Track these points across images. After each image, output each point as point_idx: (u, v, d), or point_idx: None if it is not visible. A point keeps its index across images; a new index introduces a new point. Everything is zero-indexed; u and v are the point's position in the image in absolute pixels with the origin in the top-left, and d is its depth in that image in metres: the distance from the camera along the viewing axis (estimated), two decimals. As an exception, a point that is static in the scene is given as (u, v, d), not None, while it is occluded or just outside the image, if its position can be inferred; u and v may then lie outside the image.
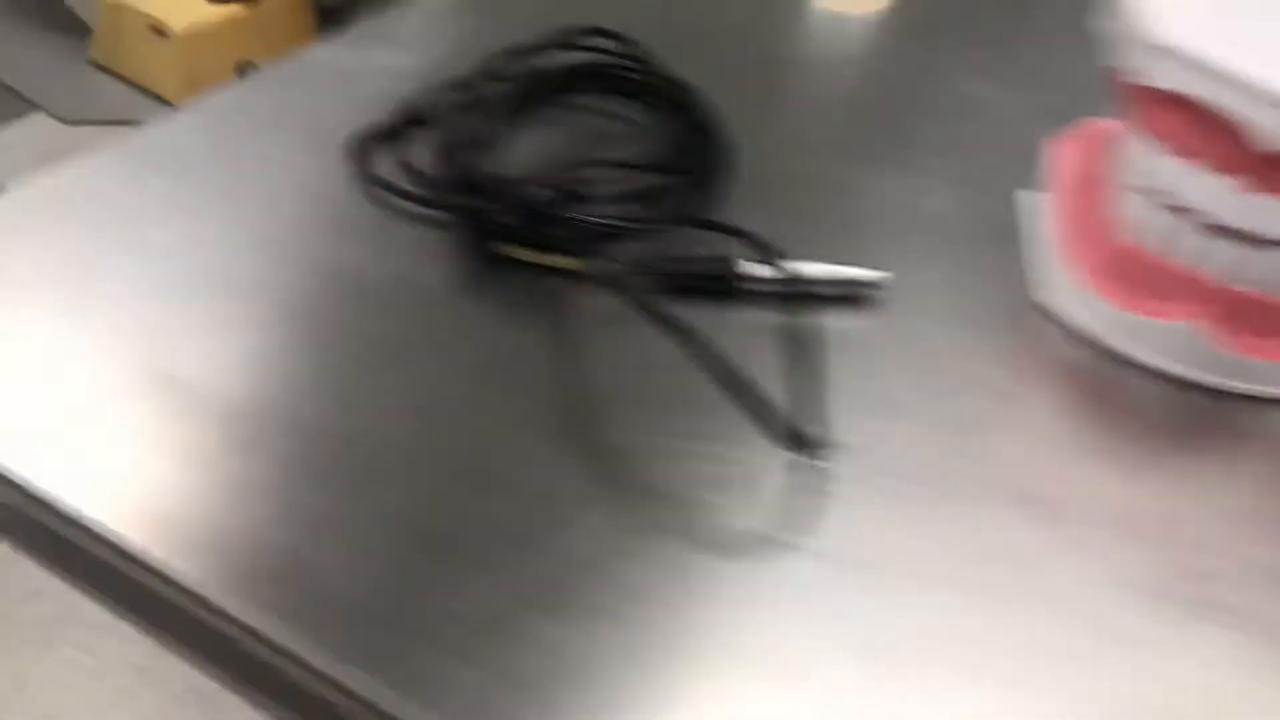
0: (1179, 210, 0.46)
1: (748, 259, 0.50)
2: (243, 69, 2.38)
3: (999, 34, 0.73)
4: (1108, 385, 0.48)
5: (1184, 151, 0.45)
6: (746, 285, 0.49)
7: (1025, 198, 0.57)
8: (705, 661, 0.36)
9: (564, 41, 0.61)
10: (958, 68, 0.69)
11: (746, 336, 0.47)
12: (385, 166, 0.56)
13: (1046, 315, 0.51)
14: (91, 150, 0.59)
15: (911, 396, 0.46)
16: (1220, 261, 0.46)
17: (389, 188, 0.54)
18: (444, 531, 0.39)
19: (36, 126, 2.29)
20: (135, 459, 0.41)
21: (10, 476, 0.40)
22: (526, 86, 0.59)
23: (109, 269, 0.50)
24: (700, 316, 0.46)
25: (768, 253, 0.48)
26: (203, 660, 0.43)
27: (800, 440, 0.41)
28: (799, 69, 0.69)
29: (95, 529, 0.38)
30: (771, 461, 0.42)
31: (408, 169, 0.55)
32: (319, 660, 0.35)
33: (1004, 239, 0.55)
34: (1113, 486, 0.43)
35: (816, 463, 0.42)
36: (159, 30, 2.29)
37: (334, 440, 0.42)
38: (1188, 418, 0.47)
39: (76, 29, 2.46)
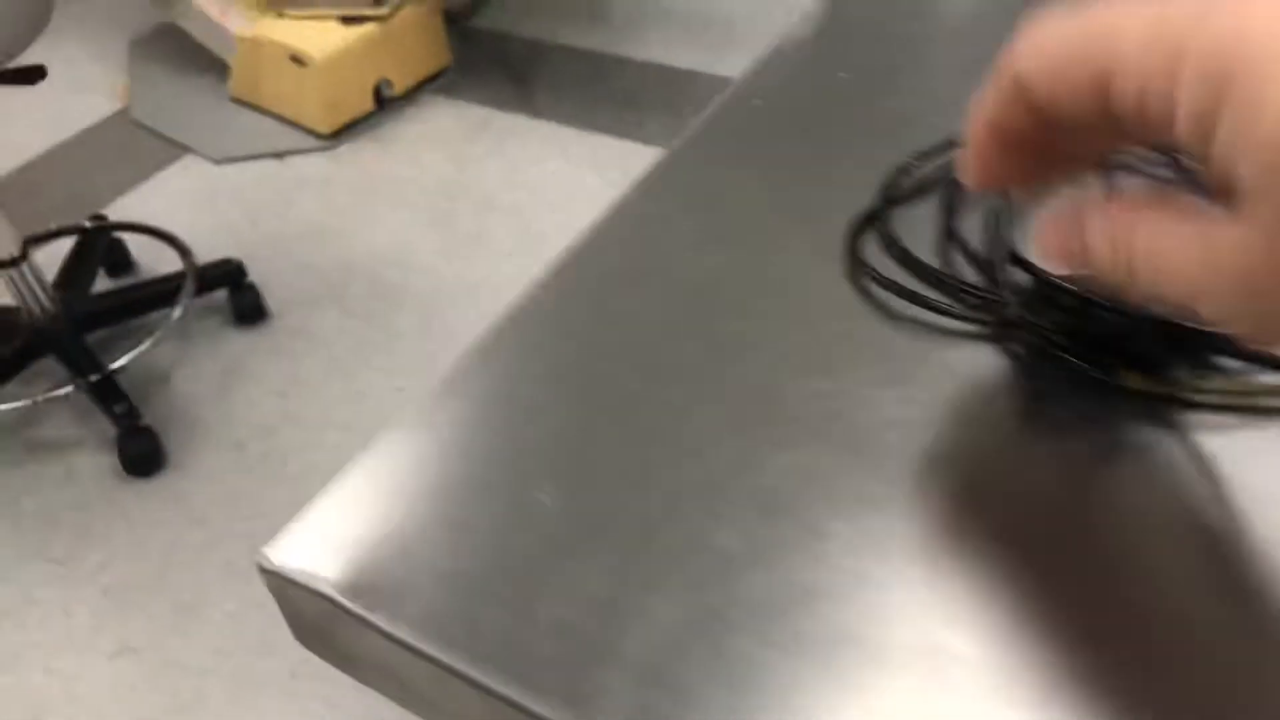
0: None
1: None
2: (380, 89, 2.31)
3: None
4: None
5: None
6: None
7: None
8: None
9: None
10: None
11: None
12: (873, 253, 0.44)
13: None
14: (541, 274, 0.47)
15: None
16: None
17: (916, 298, 0.42)
18: None
19: (189, 168, 2.24)
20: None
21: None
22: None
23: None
24: None
25: None
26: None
27: None
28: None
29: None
30: None
31: (930, 273, 0.42)
32: None
33: None
34: None
35: None
36: (298, 60, 2.23)
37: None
38: None
39: (214, 67, 2.41)
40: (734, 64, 2.40)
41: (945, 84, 0.53)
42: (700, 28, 2.62)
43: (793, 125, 0.53)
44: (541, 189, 2.12)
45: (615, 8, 2.73)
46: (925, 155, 0.46)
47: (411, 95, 2.39)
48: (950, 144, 0.46)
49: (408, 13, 2.31)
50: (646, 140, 2.23)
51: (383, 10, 2.25)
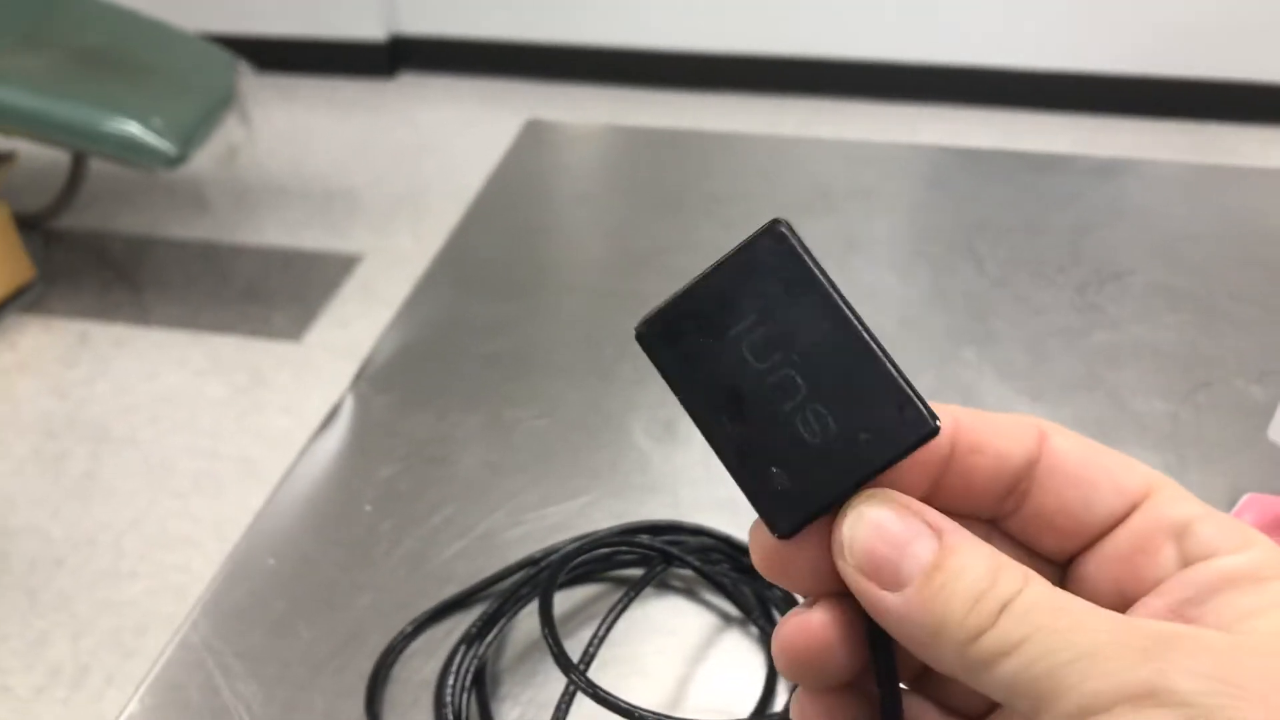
0: None
1: None
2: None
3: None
4: None
5: None
6: None
7: None
8: None
9: None
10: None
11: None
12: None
13: None
14: None
15: None
16: None
17: None
18: None
19: None
20: None
21: None
22: None
23: None
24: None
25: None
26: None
27: None
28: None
29: None
30: None
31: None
32: None
33: None
34: None
35: None
36: None
37: None
38: None
39: None
40: (362, 239, 2.25)
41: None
42: (320, 203, 2.46)
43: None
44: (160, 408, 1.87)
45: (224, 192, 2.52)
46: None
47: (-10, 320, 2.07)
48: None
49: (-30, 230, 2.00)
50: (274, 335, 2.03)
51: (-65, 234, 1.94)
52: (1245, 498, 0.51)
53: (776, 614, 0.49)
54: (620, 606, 0.46)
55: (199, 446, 1.79)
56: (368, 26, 2.98)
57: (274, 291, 2.18)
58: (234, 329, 2.06)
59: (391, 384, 0.64)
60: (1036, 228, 0.78)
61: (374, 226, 2.36)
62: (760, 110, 2.86)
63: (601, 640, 0.44)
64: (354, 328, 2.06)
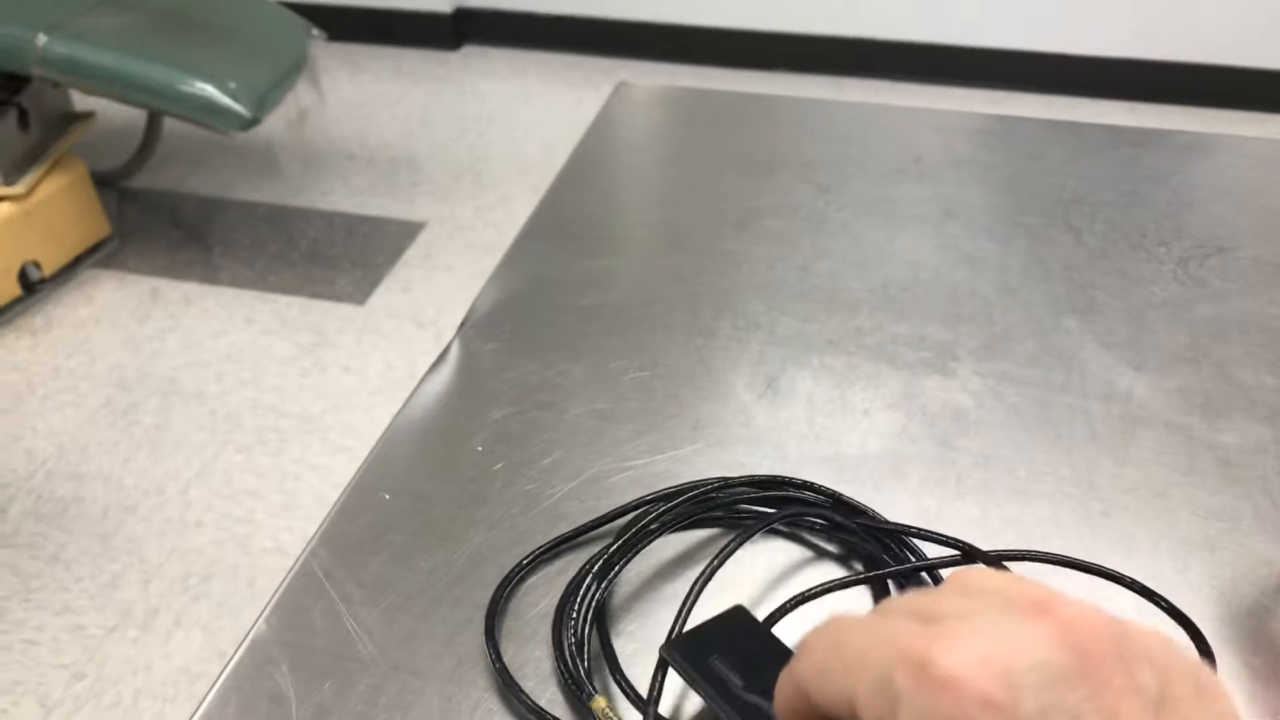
0: None
1: None
2: (26, 273, 2.01)
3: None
4: None
5: None
6: None
7: None
8: None
9: None
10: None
11: None
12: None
13: None
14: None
15: None
16: None
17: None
18: None
19: None
20: None
21: None
22: None
23: None
24: None
25: None
26: None
27: None
28: None
29: None
30: None
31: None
32: None
33: None
34: None
35: None
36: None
37: None
38: None
39: None
40: (424, 206, 2.28)
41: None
42: (385, 170, 2.49)
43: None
44: (227, 364, 1.90)
45: (292, 156, 2.55)
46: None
47: (67, 273, 2.11)
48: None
49: (51, 185, 2.04)
50: (338, 298, 2.06)
51: (17, 189, 1.97)
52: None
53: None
54: (713, 566, 0.46)
55: (263, 402, 1.82)
56: (434, -3, 2.99)
57: (339, 255, 2.21)
58: (299, 290, 2.09)
59: (496, 332, 0.65)
60: (1135, 201, 0.77)
61: (437, 195, 2.38)
62: (819, 90, 2.84)
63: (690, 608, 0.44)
64: (416, 293, 2.08)
